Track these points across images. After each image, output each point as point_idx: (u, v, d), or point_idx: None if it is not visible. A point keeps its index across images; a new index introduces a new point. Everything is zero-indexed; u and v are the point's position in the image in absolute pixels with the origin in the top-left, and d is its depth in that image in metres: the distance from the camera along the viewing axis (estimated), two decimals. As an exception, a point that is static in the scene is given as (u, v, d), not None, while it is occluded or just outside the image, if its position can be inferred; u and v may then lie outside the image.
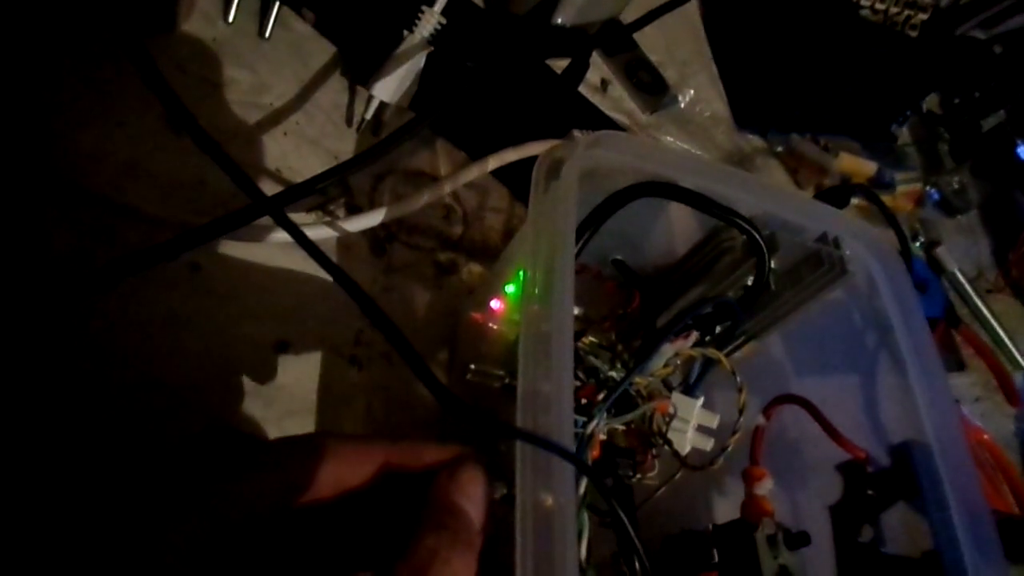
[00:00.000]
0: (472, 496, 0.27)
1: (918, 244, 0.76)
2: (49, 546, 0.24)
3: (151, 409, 0.38)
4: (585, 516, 0.28)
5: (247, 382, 0.40)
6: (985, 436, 0.65)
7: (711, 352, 0.38)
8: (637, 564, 0.31)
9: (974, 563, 0.35)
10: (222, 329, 0.41)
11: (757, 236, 0.37)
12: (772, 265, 0.39)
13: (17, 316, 0.35)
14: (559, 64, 0.57)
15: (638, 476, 0.40)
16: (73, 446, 0.35)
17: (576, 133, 0.49)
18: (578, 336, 0.38)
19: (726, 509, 0.44)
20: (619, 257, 0.43)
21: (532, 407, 0.28)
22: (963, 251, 0.80)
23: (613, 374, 0.36)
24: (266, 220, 0.40)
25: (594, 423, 0.32)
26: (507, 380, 0.34)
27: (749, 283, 0.40)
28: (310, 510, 0.26)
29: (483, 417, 0.28)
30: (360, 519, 0.28)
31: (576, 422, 0.34)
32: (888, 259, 0.42)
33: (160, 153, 0.43)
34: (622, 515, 0.28)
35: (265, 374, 0.41)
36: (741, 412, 0.37)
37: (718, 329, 0.42)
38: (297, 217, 0.44)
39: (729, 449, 0.38)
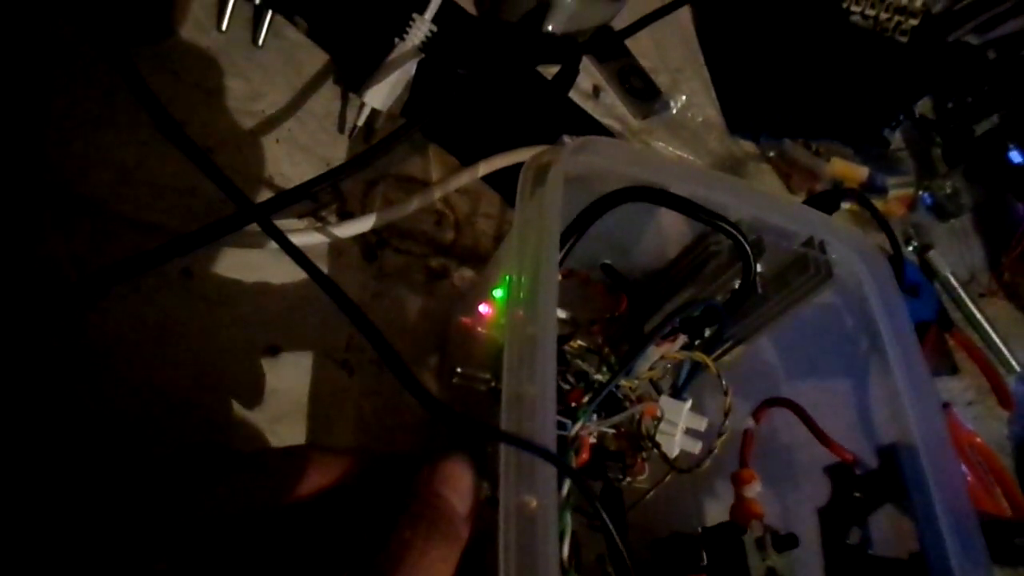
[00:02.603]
0: (455, 485, 0.27)
1: (911, 248, 0.76)
2: (41, 552, 0.24)
3: (143, 414, 0.38)
4: (568, 518, 0.29)
5: (239, 387, 0.41)
6: (978, 439, 0.65)
7: (697, 355, 0.38)
8: (622, 566, 0.31)
9: (960, 564, 0.35)
10: (214, 334, 0.41)
11: (742, 240, 0.37)
12: (758, 269, 0.40)
13: (9, 323, 0.36)
14: (551, 71, 0.58)
15: (628, 480, 0.40)
16: (66, 452, 0.35)
17: (566, 139, 0.49)
18: (566, 340, 0.38)
19: (716, 512, 0.44)
20: (607, 262, 0.44)
21: (516, 410, 0.28)
22: (956, 255, 0.80)
23: (599, 377, 0.37)
24: (256, 227, 0.40)
25: (578, 425, 0.33)
26: (493, 384, 0.34)
27: (736, 287, 0.41)
28: (296, 514, 0.26)
29: (466, 420, 0.28)
30: (347, 520, 0.28)
31: (563, 425, 0.34)
32: (874, 262, 0.42)
33: (153, 160, 0.43)
34: (605, 516, 0.29)
35: (257, 379, 0.41)
36: (727, 414, 0.37)
37: (707, 333, 0.42)
38: (290, 223, 0.45)
39: (716, 451, 0.38)
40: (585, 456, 0.37)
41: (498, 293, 0.38)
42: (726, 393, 0.37)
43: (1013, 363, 0.73)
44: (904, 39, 0.71)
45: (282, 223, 0.39)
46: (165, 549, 0.23)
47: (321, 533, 0.27)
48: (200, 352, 0.40)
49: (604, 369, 0.37)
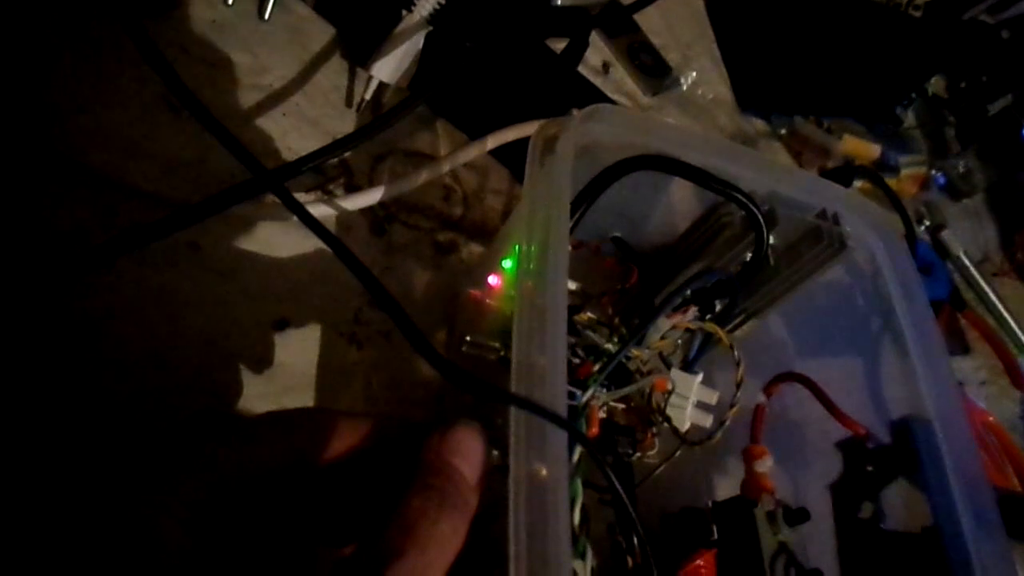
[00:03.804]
0: (465, 452, 0.26)
1: (923, 227, 0.76)
2: (49, 523, 0.24)
3: (150, 387, 0.38)
4: (579, 484, 0.28)
5: (247, 360, 0.40)
6: (990, 418, 0.64)
7: (708, 326, 0.38)
8: (633, 535, 0.30)
9: (974, 538, 0.35)
10: (221, 308, 0.41)
11: (755, 210, 0.37)
12: (771, 241, 0.39)
13: (16, 294, 0.35)
14: (561, 45, 0.57)
15: (637, 455, 0.40)
16: (72, 425, 0.35)
17: (575, 112, 0.49)
18: (576, 311, 0.38)
19: (726, 488, 0.44)
20: (618, 234, 0.43)
21: (527, 378, 0.28)
22: (969, 235, 0.79)
23: (609, 346, 0.36)
24: (266, 199, 0.40)
25: (588, 393, 0.32)
26: (502, 352, 0.34)
27: (748, 259, 0.40)
28: (305, 480, 0.26)
29: (479, 383, 0.28)
30: (357, 488, 0.28)
31: (573, 395, 0.34)
32: (888, 235, 0.42)
33: (160, 132, 0.43)
34: (614, 480, 0.28)
35: (265, 352, 0.41)
36: (739, 386, 0.37)
37: (718, 307, 0.42)
38: (297, 197, 0.44)
39: (727, 423, 0.38)
40: (595, 431, 0.37)
41: (507, 264, 0.38)
42: (738, 364, 0.37)
43: (1026, 343, 0.73)
44: (918, 14, 0.69)
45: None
46: (172, 509, 0.23)
47: (333, 497, 0.27)
48: (207, 325, 0.40)
49: (614, 340, 0.37)
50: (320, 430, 0.26)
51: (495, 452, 0.29)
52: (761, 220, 0.37)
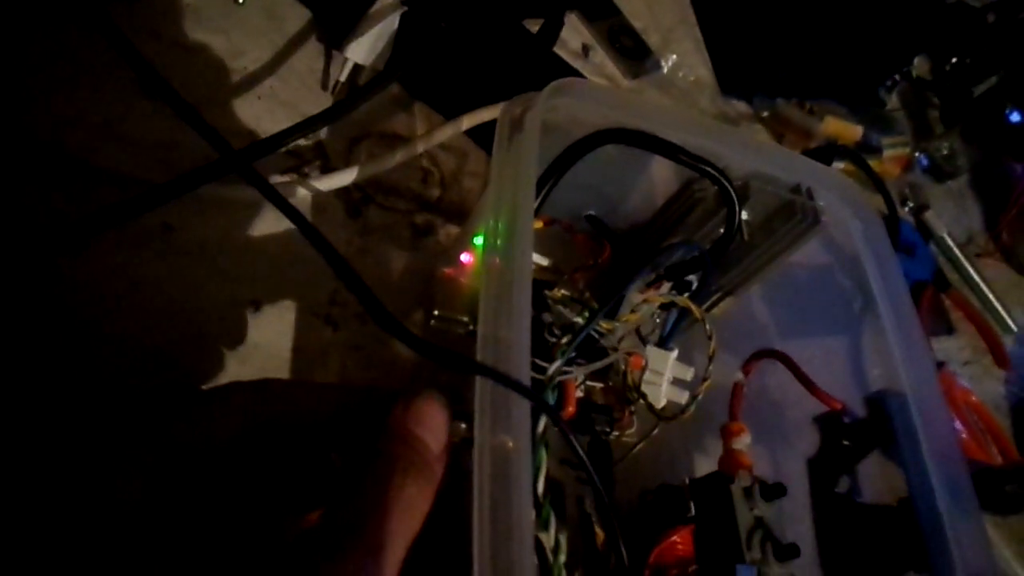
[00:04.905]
0: (428, 423, 0.27)
1: (907, 209, 0.76)
2: (15, 484, 0.24)
3: (125, 369, 0.38)
4: (543, 454, 0.28)
5: (221, 341, 0.40)
6: (973, 397, 0.65)
7: (680, 300, 0.38)
8: (600, 502, 0.30)
9: (948, 509, 0.35)
10: (195, 289, 0.41)
11: (726, 184, 0.37)
12: (744, 216, 0.39)
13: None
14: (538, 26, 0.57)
15: (615, 433, 0.40)
16: (45, 406, 0.35)
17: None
18: (548, 287, 0.38)
19: (706, 466, 0.44)
20: (592, 212, 0.43)
21: (492, 349, 0.28)
22: (952, 216, 0.79)
23: (580, 321, 0.36)
24: (240, 180, 0.40)
25: (556, 364, 0.32)
26: (471, 327, 0.34)
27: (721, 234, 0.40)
28: (267, 449, 0.26)
29: (444, 352, 0.28)
30: (322, 456, 0.28)
31: (543, 370, 0.34)
32: (864, 210, 0.41)
33: (134, 115, 0.43)
34: (577, 446, 0.28)
35: (239, 333, 0.41)
36: (711, 359, 0.37)
37: (694, 285, 0.42)
38: (272, 179, 0.44)
39: (699, 397, 0.38)
40: (572, 410, 0.37)
41: (478, 241, 0.37)
42: (710, 337, 0.37)
43: (1010, 323, 0.73)
44: (899, -6, 0.69)
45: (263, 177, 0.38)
46: (132, 478, 0.23)
47: (298, 466, 0.27)
48: (181, 307, 0.40)
49: (585, 315, 0.37)
50: (279, 399, 0.26)
51: (463, 425, 0.29)
52: (732, 194, 0.37)
